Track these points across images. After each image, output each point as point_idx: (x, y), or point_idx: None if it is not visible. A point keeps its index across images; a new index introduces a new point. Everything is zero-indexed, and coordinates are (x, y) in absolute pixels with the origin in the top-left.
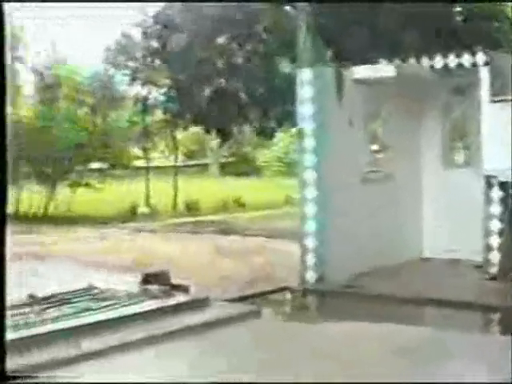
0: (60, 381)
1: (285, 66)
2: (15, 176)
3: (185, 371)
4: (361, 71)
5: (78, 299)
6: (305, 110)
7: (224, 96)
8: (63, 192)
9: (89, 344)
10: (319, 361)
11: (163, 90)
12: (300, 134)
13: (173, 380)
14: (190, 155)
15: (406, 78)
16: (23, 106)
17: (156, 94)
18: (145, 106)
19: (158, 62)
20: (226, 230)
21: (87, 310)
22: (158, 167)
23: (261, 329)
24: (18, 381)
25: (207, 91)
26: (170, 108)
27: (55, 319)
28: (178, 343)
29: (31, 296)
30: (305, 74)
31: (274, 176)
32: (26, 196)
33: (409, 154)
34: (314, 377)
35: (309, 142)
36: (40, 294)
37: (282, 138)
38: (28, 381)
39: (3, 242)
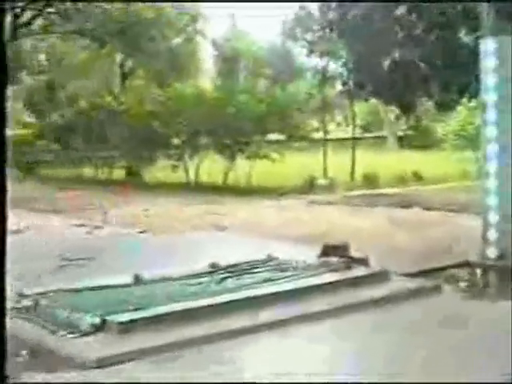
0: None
1: (466, 37)
2: (196, 147)
3: (359, 345)
4: None
5: (258, 270)
6: (488, 81)
7: (404, 67)
8: (242, 163)
9: (268, 314)
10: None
11: (342, 62)
12: (482, 106)
13: None
14: (367, 128)
15: None
16: (203, 78)
17: (334, 66)
18: (323, 78)
19: (335, 33)
20: (403, 203)
21: (267, 280)
22: (335, 139)
23: (442, 305)
24: (18, 381)
25: (387, 63)
26: (350, 80)
27: (234, 289)
28: (356, 317)
29: (213, 265)
30: (488, 44)
31: (452, 149)
32: (205, 167)
33: None
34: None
35: (491, 114)
36: (221, 264)
37: (460, 111)
38: (28, 381)
39: (3, 240)
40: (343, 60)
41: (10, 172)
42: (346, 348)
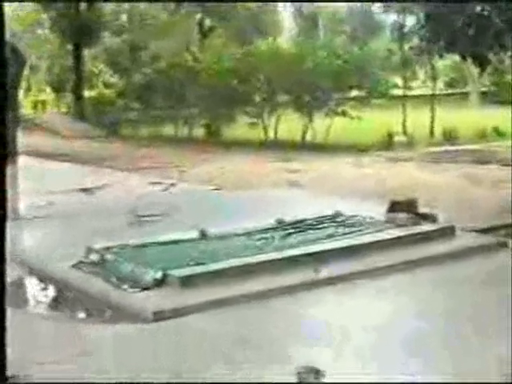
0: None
1: None
2: (274, 104)
3: (418, 303)
4: None
5: (324, 225)
6: None
7: (479, 22)
8: (320, 120)
9: (330, 269)
10: None
11: (418, 17)
12: None
13: None
14: (450, 84)
15: None
16: (283, 36)
17: (412, 22)
18: (401, 34)
19: None
20: (482, 160)
21: (331, 236)
22: (415, 96)
23: (507, 262)
24: (18, 381)
25: (460, 17)
26: (425, 35)
27: (297, 244)
28: (419, 273)
29: (279, 221)
30: None
31: None
32: (284, 125)
33: None
34: None
35: None
36: (287, 220)
37: None
38: (28, 381)
39: (3, 239)
40: (420, 15)
41: (92, 130)
42: (409, 303)
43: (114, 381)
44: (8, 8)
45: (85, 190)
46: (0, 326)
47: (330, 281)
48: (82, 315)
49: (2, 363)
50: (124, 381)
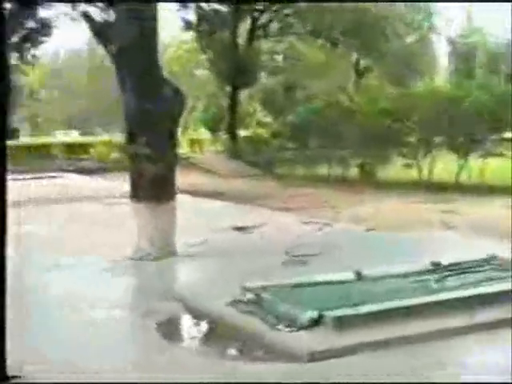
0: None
1: None
2: (430, 145)
3: None
4: None
5: (479, 269)
6: None
7: None
8: (475, 161)
9: (487, 314)
10: None
11: None
12: None
13: None
14: None
15: None
16: (438, 75)
17: None
18: None
19: None
20: None
21: (486, 280)
22: None
23: None
24: (19, 381)
25: None
26: None
27: (454, 287)
28: None
29: (434, 263)
30: None
31: None
32: (438, 165)
33: None
34: None
35: None
36: (443, 262)
37: None
38: (28, 381)
39: (3, 242)
40: None
41: (247, 169)
42: None
43: None
44: (170, 49)
45: (239, 229)
46: (0, 326)
47: (486, 326)
48: (233, 352)
49: (2, 363)
50: None
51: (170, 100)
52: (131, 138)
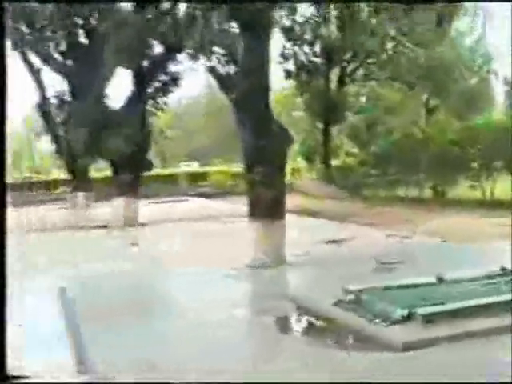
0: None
1: None
2: (491, 169)
3: None
4: None
5: None
6: None
7: None
8: None
9: None
10: None
11: None
12: None
13: None
14: None
15: None
16: (497, 110)
17: None
18: None
19: None
20: None
21: None
22: None
23: None
24: (18, 381)
25: None
26: None
27: None
28: None
29: (502, 268)
30: None
31: None
32: (499, 186)
33: None
34: None
35: None
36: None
37: None
38: (28, 381)
39: (3, 243)
40: None
41: (339, 192)
42: None
43: None
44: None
45: (334, 242)
46: (0, 327)
47: None
48: (347, 342)
49: (2, 363)
50: None
51: (280, 137)
52: (249, 168)
